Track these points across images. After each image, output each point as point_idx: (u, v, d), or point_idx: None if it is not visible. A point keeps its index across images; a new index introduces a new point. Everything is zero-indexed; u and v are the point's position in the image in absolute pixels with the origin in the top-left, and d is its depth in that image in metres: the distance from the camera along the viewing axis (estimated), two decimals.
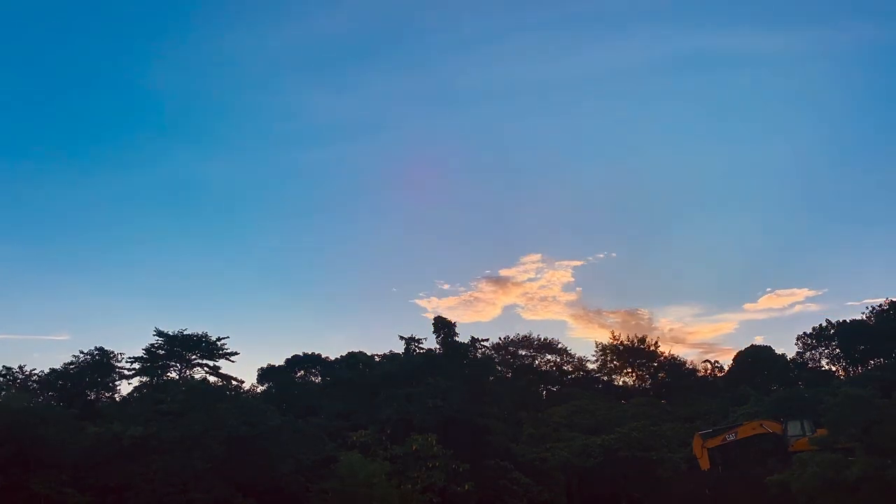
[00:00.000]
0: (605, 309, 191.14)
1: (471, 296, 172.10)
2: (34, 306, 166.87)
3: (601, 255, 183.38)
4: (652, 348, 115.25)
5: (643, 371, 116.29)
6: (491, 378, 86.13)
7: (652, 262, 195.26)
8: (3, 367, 76.24)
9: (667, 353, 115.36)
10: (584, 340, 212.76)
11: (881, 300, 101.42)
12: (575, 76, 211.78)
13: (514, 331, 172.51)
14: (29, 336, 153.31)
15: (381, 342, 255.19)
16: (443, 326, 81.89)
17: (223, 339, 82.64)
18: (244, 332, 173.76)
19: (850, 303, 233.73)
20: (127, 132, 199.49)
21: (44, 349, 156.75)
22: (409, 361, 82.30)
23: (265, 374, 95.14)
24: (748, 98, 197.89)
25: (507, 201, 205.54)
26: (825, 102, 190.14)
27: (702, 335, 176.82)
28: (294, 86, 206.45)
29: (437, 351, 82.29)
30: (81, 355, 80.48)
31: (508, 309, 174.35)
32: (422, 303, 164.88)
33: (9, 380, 76.15)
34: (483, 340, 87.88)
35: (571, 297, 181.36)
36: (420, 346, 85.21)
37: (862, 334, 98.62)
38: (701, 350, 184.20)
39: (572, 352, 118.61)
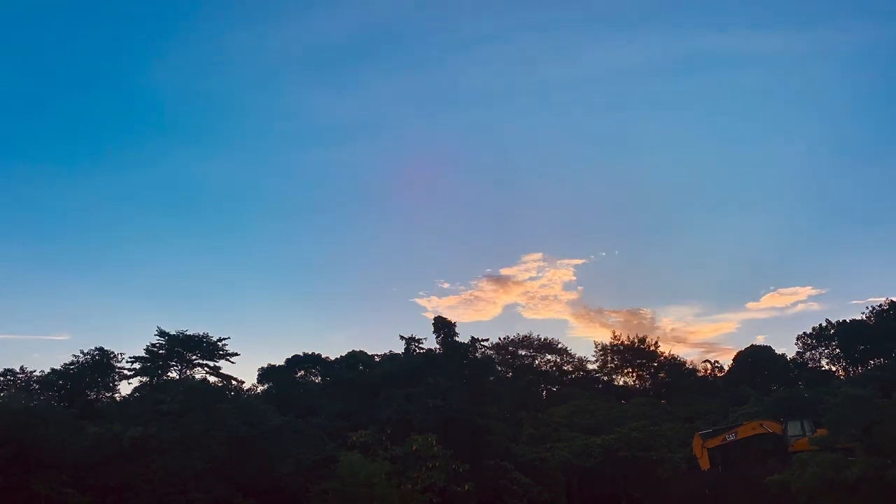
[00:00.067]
0: (606, 308, 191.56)
1: (471, 295, 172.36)
2: (34, 306, 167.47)
3: (603, 253, 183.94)
4: (652, 348, 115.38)
5: (643, 371, 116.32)
6: (491, 378, 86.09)
7: (654, 261, 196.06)
8: (4, 367, 76.51)
9: (667, 353, 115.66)
10: (586, 340, 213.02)
11: (882, 300, 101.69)
12: (575, 76, 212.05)
13: (515, 330, 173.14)
14: (29, 336, 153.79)
15: (382, 342, 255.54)
16: (443, 326, 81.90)
17: (224, 339, 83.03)
18: (244, 332, 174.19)
19: (853, 301, 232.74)
20: (127, 132, 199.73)
21: (44, 349, 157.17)
22: (409, 361, 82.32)
23: (265, 374, 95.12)
24: (750, 98, 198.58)
25: (507, 200, 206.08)
26: (827, 102, 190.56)
27: (704, 334, 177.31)
28: (294, 86, 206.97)
29: (437, 351, 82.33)
30: (81, 355, 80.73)
31: (509, 308, 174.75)
32: (422, 302, 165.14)
33: (9, 380, 76.22)
34: (483, 340, 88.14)
35: (573, 295, 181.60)
36: (420, 346, 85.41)
37: (862, 334, 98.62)
38: (703, 349, 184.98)
39: (572, 352, 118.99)
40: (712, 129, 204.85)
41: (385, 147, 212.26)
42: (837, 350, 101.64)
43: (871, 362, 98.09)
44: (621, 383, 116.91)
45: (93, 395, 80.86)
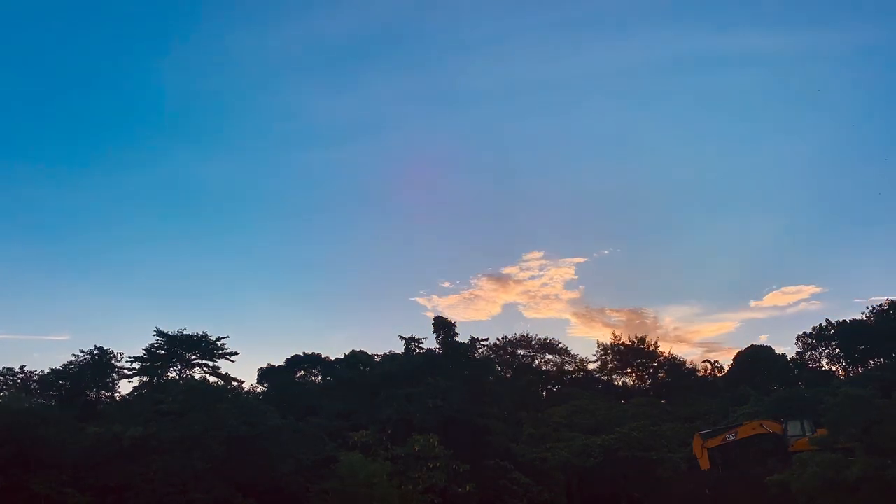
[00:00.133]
0: (608, 307, 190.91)
1: (471, 294, 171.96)
2: (34, 306, 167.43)
3: (606, 251, 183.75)
4: (651, 348, 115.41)
5: (643, 371, 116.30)
6: (491, 378, 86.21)
7: (656, 260, 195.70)
8: (4, 367, 76.50)
9: (667, 353, 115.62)
10: (587, 339, 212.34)
11: (882, 299, 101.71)
12: (575, 76, 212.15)
13: (515, 329, 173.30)
14: (29, 336, 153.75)
15: (381, 342, 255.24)
16: (443, 326, 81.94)
17: (223, 339, 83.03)
18: (244, 332, 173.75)
19: (857, 300, 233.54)
20: (127, 132, 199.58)
21: (44, 349, 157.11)
22: (409, 361, 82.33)
23: (265, 374, 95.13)
24: (751, 97, 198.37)
25: (507, 199, 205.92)
26: (828, 102, 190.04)
27: (705, 334, 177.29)
28: (294, 86, 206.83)
29: (437, 351, 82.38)
30: (81, 355, 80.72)
31: (510, 307, 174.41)
32: (422, 301, 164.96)
33: (9, 380, 76.20)
34: (483, 340, 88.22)
35: (574, 294, 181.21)
36: (420, 346, 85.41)
37: (862, 334, 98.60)
38: (705, 349, 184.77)
39: (572, 352, 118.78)
40: (713, 129, 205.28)
41: (385, 147, 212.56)
42: (837, 350, 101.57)
43: (871, 362, 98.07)
44: (621, 383, 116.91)
45: (93, 395, 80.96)
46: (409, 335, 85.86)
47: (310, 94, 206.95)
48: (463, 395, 74.80)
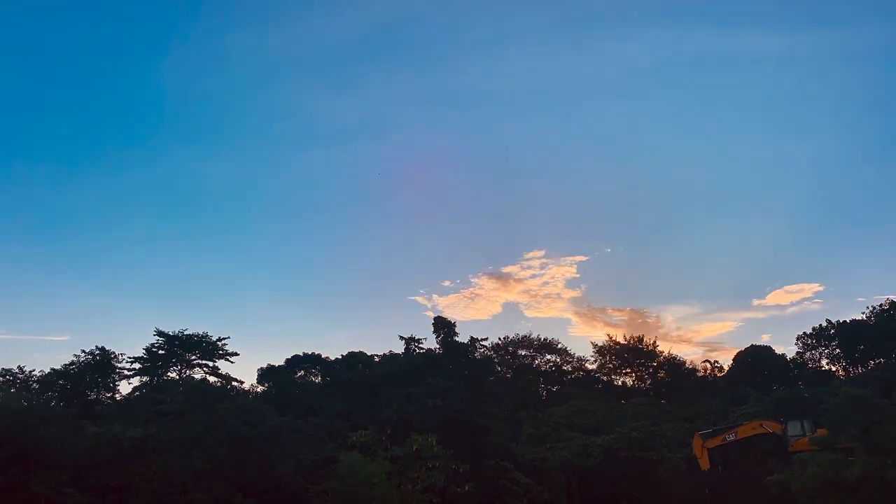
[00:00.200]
0: (609, 307, 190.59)
1: (472, 293, 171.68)
2: (34, 306, 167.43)
3: (608, 250, 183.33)
4: (650, 348, 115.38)
5: (643, 371, 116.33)
6: (491, 378, 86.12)
7: (657, 259, 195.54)
8: (4, 367, 76.47)
9: (666, 353, 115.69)
10: (588, 339, 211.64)
11: (882, 299, 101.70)
12: (575, 76, 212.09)
13: (516, 328, 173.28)
14: (29, 336, 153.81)
15: (381, 342, 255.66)
16: (443, 326, 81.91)
17: (223, 339, 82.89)
18: (244, 332, 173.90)
19: (859, 298, 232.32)
20: (127, 132, 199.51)
21: (44, 349, 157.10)
22: (409, 361, 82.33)
23: (265, 374, 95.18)
24: (752, 97, 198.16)
25: (508, 199, 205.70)
26: (831, 101, 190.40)
27: (707, 333, 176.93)
28: (294, 86, 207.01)
29: (437, 351, 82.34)
30: (82, 355, 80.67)
31: (510, 306, 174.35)
32: (422, 300, 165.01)
33: (9, 380, 76.16)
34: (483, 340, 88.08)
35: (575, 293, 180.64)
36: (420, 346, 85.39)
37: (862, 334, 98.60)
38: (706, 349, 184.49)
39: (572, 351, 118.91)
40: (714, 128, 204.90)
41: (385, 147, 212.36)
42: (837, 350, 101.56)
43: (871, 362, 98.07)
44: (621, 383, 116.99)
45: (93, 395, 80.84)
46: (409, 335, 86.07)
47: (310, 94, 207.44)
48: (463, 395, 74.77)
